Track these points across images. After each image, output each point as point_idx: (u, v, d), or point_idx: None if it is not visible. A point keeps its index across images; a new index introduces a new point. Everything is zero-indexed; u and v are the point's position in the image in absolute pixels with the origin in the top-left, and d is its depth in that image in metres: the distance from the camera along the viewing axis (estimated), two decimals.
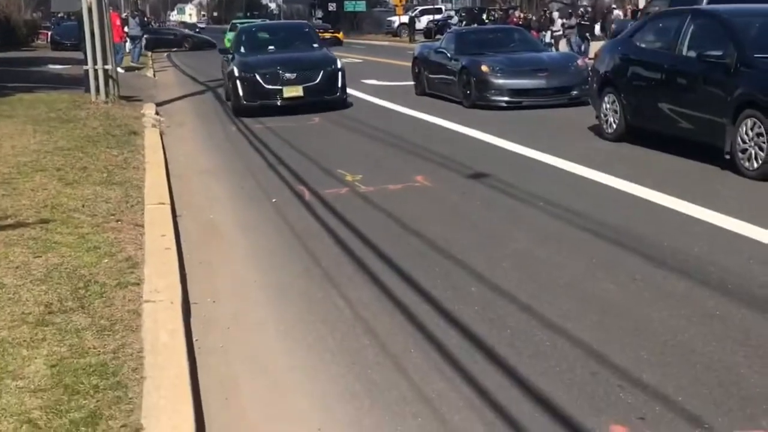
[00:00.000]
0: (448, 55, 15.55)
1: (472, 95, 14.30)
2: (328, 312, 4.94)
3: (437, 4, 61.19)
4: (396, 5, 52.99)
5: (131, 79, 21.79)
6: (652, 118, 9.72)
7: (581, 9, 33.99)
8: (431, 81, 16.28)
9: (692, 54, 9.02)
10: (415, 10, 53.82)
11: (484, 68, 14.26)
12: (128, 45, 31.55)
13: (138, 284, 5.03)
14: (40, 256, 5.52)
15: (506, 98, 14.00)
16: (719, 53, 8.47)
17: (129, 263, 5.45)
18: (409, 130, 12.18)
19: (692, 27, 9.28)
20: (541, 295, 5.01)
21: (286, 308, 5.09)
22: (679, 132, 9.25)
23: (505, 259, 5.77)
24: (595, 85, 10.99)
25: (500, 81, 14.10)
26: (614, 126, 10.40)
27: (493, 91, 14.06)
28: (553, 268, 5.56)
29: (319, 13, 73.18)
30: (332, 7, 71.69)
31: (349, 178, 8.76)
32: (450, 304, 4.91)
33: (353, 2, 70.39)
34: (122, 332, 4.25)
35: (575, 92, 14.03)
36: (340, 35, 49.34)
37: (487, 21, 39.37)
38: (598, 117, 10.83)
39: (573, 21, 30.30)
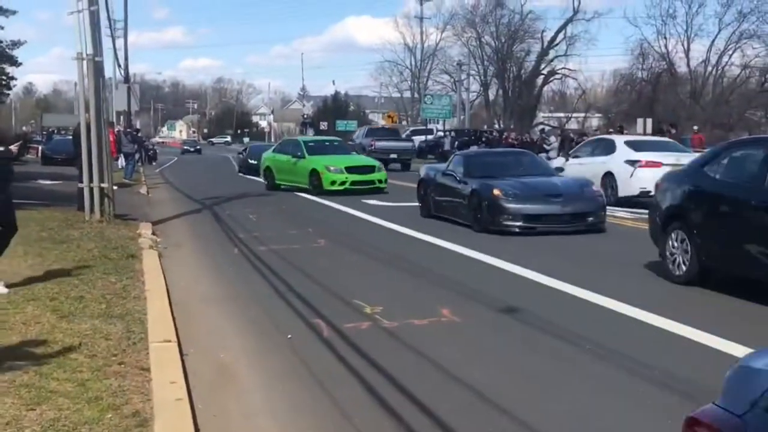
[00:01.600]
0: (457, 177, 15.21)
1: (484, 219, 13.88)
2: None
3: (427, 125, 61.90)
4: (387, 126, 53.47)
5: (124, 195, 21.28)
6: (736, 260, 8.52)
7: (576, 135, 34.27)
8: (438, 203, 15.92)
9: None
10: (406, 130, 54.22)
11: (496, 192, 13.84)
12: (121, 161, 31.38)
13: None
14: (34, 409, 4.78)
15: (520, 223, 13.53)
16: None
17: (136, 419, 4.71)
18: (421, 254, 11.67)
19: None
20: None
21: None
22: None
23: (565, 416, 5.07)
24: (657, 220, 9.80)
25: (513, 206, 13.65)
26: (684, 267, 9.07)
27: (505, 216, 13.61)
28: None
29: (311, 132, 73.95)
30: (324, 126, 72.66)
31: (368, 310, 8.10)
32: None
33: (345, 122, 71.45)
34: None
35: (591, 219, 13.60)
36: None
37: (480, 143, 39.53)
38: (662, 255, 9.58)
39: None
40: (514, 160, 16.36)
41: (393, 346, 6.81)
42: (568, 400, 5.38)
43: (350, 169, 22.65)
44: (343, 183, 22.27)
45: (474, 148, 37.40)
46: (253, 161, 31.45)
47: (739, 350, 6.29)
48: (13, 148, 8.99)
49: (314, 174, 22.89)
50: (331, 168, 22.66)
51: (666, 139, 23.16)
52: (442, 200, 15.75)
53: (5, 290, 8.10)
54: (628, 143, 19.57)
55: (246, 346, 7.02)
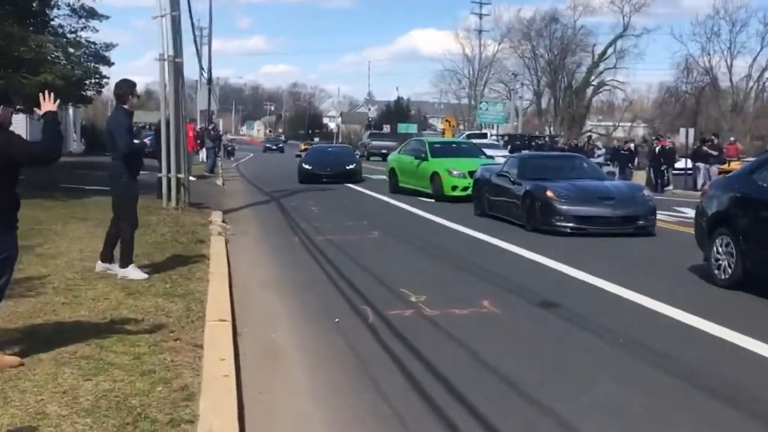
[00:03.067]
0: (511, 178, 14.68)
1: (536, 219, 13.36)
2: None
3: (483, 129, 61.29)
4: (445, 129, 53.09)
5: (202, 186, 21.46)
6: None
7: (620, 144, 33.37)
8: (492, 202, 15.41)
9: None
10: (462, 134, 53.71)
11: (549, 194, 13.28)
12: (202, 155, 31.73)
13: (192, 422, 4.15)
14: (91, 380, 4.69)
15: (571, 224, 12.93)
16: None
17: (184, 393, 4.58)
18: (469, 249, 11.35)
19: None
20: None
21: None
22: None
23: (595, 409, 4.78)
24: (704, 225, 9.31)
25: (566, 207, 13.06)
26: (729, 271, 8.62)
27: (557, 217, 13.05)
28: (655, 425, 4.55)
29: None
30: (386, 128, 72.47)
31: (413, 298, 7.89)
32: None
33: (406, 125, 71.21)
34: None
35: (641, 222, 13.00)
36: None
37: (531, 148, 38.86)
38: (707, 259, 9.12)
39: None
40: (567, 164, 15.74)
41: (432, 334, 6.58)
42: (599, 393, 5.08)
43: (472, 174, 18.55)
44: (465, 189, 18.65)
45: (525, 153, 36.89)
46: (308, 167, 25.82)
47: None
48: (146, 140, 9.13)
49: (435, 177, 19.74)
50: (454, 172, 19.39)
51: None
52: (496, 200, 15.25)
53: (144, 275, 8.02)
54: None
55: (296, 329, 6.87)
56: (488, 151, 24.25)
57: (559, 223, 13.00)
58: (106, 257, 8.18)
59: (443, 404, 4.82)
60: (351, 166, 25.99)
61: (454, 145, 23.47)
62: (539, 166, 15.29)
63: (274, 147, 72.57)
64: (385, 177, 24.16)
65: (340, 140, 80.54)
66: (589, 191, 13.55)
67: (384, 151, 47.89)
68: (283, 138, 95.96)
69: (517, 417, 4.64)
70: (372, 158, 48.44)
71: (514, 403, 4.88)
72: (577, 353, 6.05)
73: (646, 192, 14.20)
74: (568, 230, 12.87)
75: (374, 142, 53.92)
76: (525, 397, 4.97)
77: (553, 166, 15.29)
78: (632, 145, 28.50)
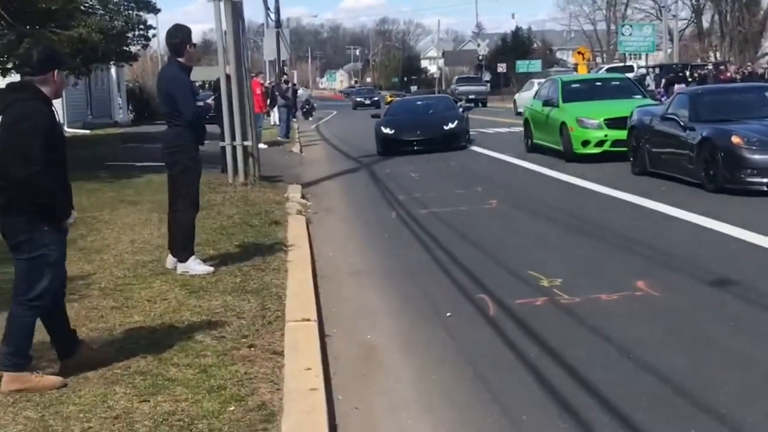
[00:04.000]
0: (681, 123, 13.77)
1: (719, 176, 12.46)
2: None
3: (627, 61, 59.83)
4: (578, 63, 52.08)
5: (275, 155, 21.81)
6: None
7: None
8: (655, 156, 14.60)
9: None
10: (601, 68, 52.60)
11: (735, 140, 12.39)
12: (274, 117, 32.18)
13: None
14: (148, 401, 4.81)
15: None
16: None
17: (262, 413, 4.63)
18: (621, 219, 10.96)
19: None
20: None
21: None
22: None
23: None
24: None
25: (759, 157, 12.15)
26: None
27: (749, 171, 12.18)
28: None
29: (487, 76, 73.38)
30: (502, 68, 71.75)
31: (545, 282, 7.76)
32: None
33: (527, 62, 70.24)
34: None
35: None
36: None
37: (690, 80, 37.70)
38: None
39: None
40: (757, 98, 14.60)
41: (572, 327, 6.44)
42: None
43: (612, 123, 17.44)
44: (600, 143, 17.39)
45: (680, 87, 35.74)
46: (388, 131, 22.52)
47: None
48: (210, 101, 9.29)
49: (563, 129, 18.25)
50: (585, 121, 17.78)
51: None
52: (661, 152, 14.40)
53: (209, 268, 8.22)
54: None
55: (398, 328, 6.87)
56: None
57: (750, 179, 12.17)
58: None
59: (589, 419, 4.71)
60: (451, 126, 22.31)
61: (598, 83, 21.54)
62: (719, 103, 14.34)
63: (368, 101, 65.06)
64: (501, 130, 23.83)
65: (443, 87, 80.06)
66: None
67: (472, 96, 51.42)
68: (378, 89, 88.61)
69: (688, 429, 4.48)
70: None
71: (683, 412, 4.72)
72: (761, 342, 5.79)
73: None
74: (765, 188, 12.05)
75: (461, 88, 59.22)
76: (698, 404, 4.80)
77: (738, 103, 14.35)
78: None
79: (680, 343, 5.96)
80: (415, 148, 21.84)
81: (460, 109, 24.63)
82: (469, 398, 5.20)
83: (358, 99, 67.92)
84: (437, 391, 5.40)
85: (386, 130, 22.47)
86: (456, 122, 22.53)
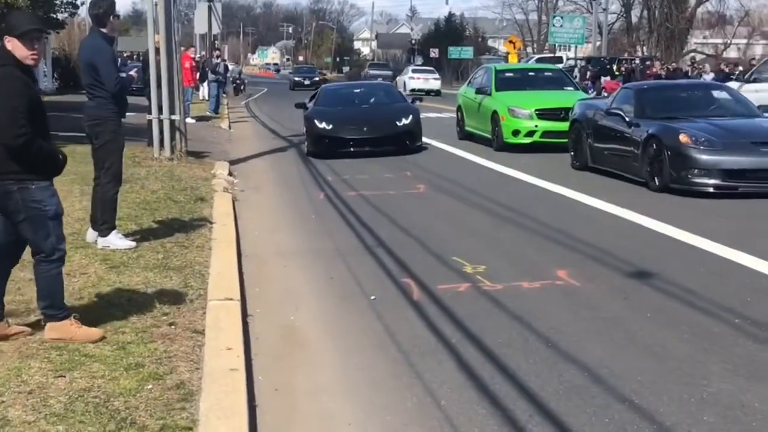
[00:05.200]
0: (626, 118, 13.38)
1: (665, 175, 12.00)
2: None
3: (557, 52, 60.51)
4: (509, 53, 52.50)
5: (203, 130, 21.57)
6: None
7: (729, 66, 32.59)
8: (598, 152, 14.23)
9: None
10: (531, 58, 53.08)
11: (683, 138, 11.92)
12: (203, 92, 31.77)
13: (190, 429, 4.15)
14: (64, 376, 4.72)
15: (716, 181, 11.60)
16: None
17: (181, 392, 4.58)
18: (551, 211, 10.85)
19: None
20: None
21: None
22: None
23: (705, 409, 4.66)
24: None
25: (707, 157, 11.68)
26: None
27: (696, 171, 11.70)
28: None
29: (419, 60, 73.47)
30: (434, 53, 71.96)
31: (468, 269, 7.81)
32: None
33: (459, 49, 70.55)
34: None
35: None
36: None
37: (617, 73, 38.24)
38: None
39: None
40: (703, 96, 14.39)
41: (494, 313, 6.50)
42: (709, 387, 4.96)
43: (543, 114, 17.59)
44: (531, 133, 17.41)
45: (606, 80, 36.36)
46: (325, 126, 17.69)
47: None
48: (133, 73, 9.12)
49: (494, 118, 18.20)
50: (516, 110, 17.72)
51: None
52: (603, 148, 14.03)
53: (130, 243, 8.08)
54: None
55: (322, 309, 6.85)
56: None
57: (697, 180, 11.71)
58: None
59: (508, 404, 4.76)
60: (405, 122, 17.90)
61: (531, 74, 21.45)
62: (665, 99, 14.01)
63: (308, 81, 59.30)
64: (430, 115, 23.73)
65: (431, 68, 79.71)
66: (738, 133, 12.23)
67: (380, 80, 50.88)
68: (319, 69, 79.98)
69: (603, 418, 4.55)
70: None
71: (600, 401, 4.78)
72: (680, 336, 5.91)
73: None
74: (711, 189, 11.62)
75: (372, 72, 64.57)
76: (614, 393, 4.88)
77: (684, 100, 14.10)
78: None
79: (598, 332, 6.04)
80: (364, 149, 17.27)
81: (412, 103, 19.99)
82: (390, 381, 5.21)
83: (297, 78, 61.78)
84: (359, 373, 5.40)
85: (322, 125, 17.52)
86: (411, 117, 17.94)
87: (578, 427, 4.45)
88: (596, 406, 4.72)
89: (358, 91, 20.93)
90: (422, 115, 19.34)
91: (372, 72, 64.59)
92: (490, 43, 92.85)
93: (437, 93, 51.08)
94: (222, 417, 4.28)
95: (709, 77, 30.16)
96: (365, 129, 17.56)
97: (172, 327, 5.67)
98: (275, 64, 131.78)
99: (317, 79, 59.80)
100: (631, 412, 4.63)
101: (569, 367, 5.34)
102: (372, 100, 19.78)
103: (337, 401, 4.97)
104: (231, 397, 4.57)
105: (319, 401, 4.96)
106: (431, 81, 53.49)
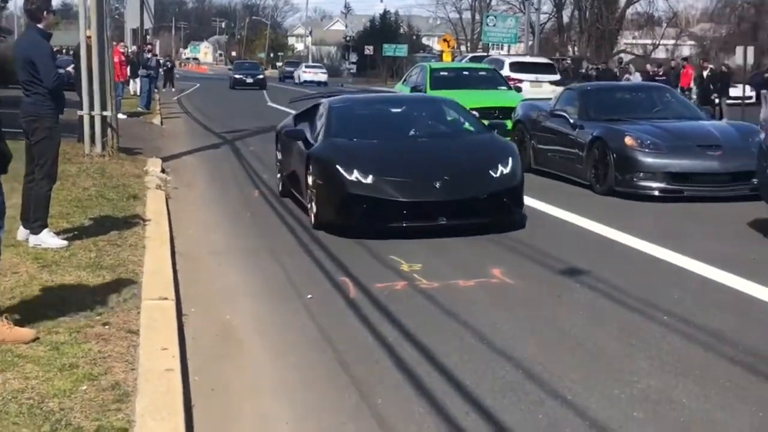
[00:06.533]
0: (570, 120, 13.32)
1: (609, 177, 11.92)
2: None
3: (490, 51, 61.01)
4: (443, 51, 52.81)
5: (135, 127, 21.29)
6: None
7: (654, 67, 33.18)
8: (541, 153, 14.17)
9: None
10: (465, 57, 53.41)
11: (629, 141, 11.86)
12: (133, 87, 31.35)
13: (126, 429, 4.12)
14: None
15: (661, 184, 11.55)
16: None
17: (116, 393, 4.53)
18: None
19: None
20: None
21: None
22: None
23: (635, 405, 4.77)
24: None
25: (653, 160, 11.64)
26: None
27: (642, 174, 11.64)
28: (709, 422, 4.55)
29: (354, 57, 73.55)
30: (369, 50, 72.03)
31: (405, 267, 7.87)
32: None
33: (393, 46, 70.72)
34: None
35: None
36: None
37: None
38: None
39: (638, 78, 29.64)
40: (648, 98, 14.33)
41: (430, 311, 6.57)
42: (638, 384, 5.08)
43: (478, 113, 14.96)
44: None
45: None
46: (365, 177, 9.24)
47: None
48: (70, 69, 8.96)
49: None
50: None
51: None
52: (547, 150, 13.92)
53: (62, 242, 7.95)
54: None
55: (257, 308, 6.84)
56: None
57: (643, 183, 11.65)
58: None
59: (444, 402, 4.80)
60: (503, 169, 9.70)
61: (465, 72, 21.61)
62: (609, 101, 13.97)
63: (251, 80, 54.16)
64: None
65: (319, 65, 79.67)
66: (684, 136, 12.21)
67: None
68: (261, 66, 69.51)
69: (536, 414, 4.64)
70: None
71: (533, 398, 4.87)
72: (610, 333, 6.03)
73: (763, 136, 11.33)
74: (656, 192, 11.54)
75: (306, 76, 68.62)
76: (547, 389, 4.97)
77: (628, 102, 14.09)
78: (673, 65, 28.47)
79: (532, 330, 6.14)
80: (437, 222, 9.29)
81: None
82: (327, 380, 5.23)
83: (238, 76, 55.20)
84: (295, 372, 5.41)
85: (354, 176, 9.30)
86: (510, 161, 9.86)
87: (513, 424, 4.52)
88: (530, 403, 4.80)
89: (399, 110, 11.58)
90: None
91: (306, 77, 68.23)
92: (424, 41, 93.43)
93: (325, 84, 62.54)
94: (158, 418, 4.25)
95: (633, 78, 30.67)
96: (438, 186, 9.29)
97: (107, 327, 5.60)
98: (195, 58, 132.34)
99: (262, 77, 55.77)
100: (564, 408, 4.72)
101: (504, 364, 5.42)
102: (430, 125, 11.19)
103: (273, 401, 4.98)
104: (167, 397, 4.55)
105: (255, 401, 4.96)
106: (319, 74, 68.74)
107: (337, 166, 9.33)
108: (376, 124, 10.94)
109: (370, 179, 9.18)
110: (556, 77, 27.24)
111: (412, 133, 10.80)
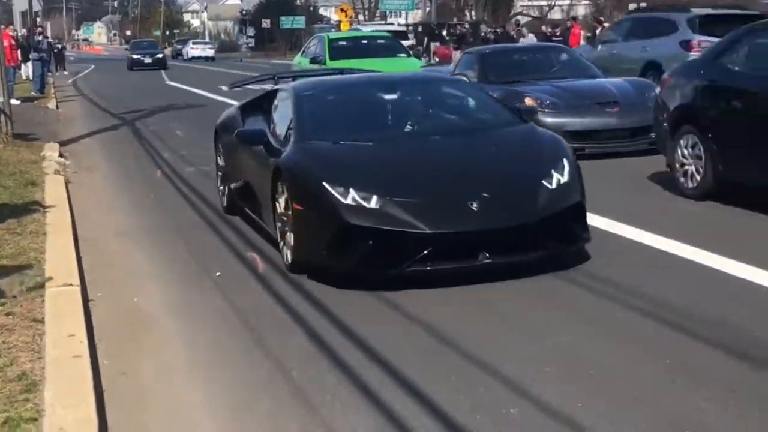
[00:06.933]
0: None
1: None
2: None
3: (387, 18, 60.99)
4: (341, 21, 52.55)
5: (29, 112, 20.69)
6: (761, 169, 8.11)
7: (550, 28, 33.62)
8: None
9: None
10: (361, 27, 53.28)
11: (528, 102, 11.67)
12: (25, 71, 30.44)
13: (35, 419, 4.03)
14: None
15: None
16: None
17: (23, 383, 4.43)
18: None
19: None
20: (613, 413, 4.12)
21: None
22: None
23: (547, 362, 4.87)
24: (665, 124, 9.35)
25: (552, 119, 11.53)
26: (697, 178, 8.79)
27: None
28: (626, 377, 4.68)
29: (251, 31, 72.71)
30: (266, 23, 71.27)
31: None
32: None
33: (291, 18, 70.09)
34: None
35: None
36: None
37: (447, 38, 38.96)
38: (669, 165, 9.29)
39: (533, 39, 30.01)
40: (545, 58, 14.45)
41: (342, 283, 6.53)
42: (551, 341, 5.17)
43: None
44: None
45: (436, 45, 37.18)
46: (350, 195, 6.32)
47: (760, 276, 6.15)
48: None
49: None
50: None
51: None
52: None
53: None
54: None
55: (166, 289, 6.75)
56: None
57: None
58: None
59: (360, 371, 4.81)
60: (560, 178, 6.72)
61: (364, 41, 21.63)
62: (507, 64, 13.97)
63: (149, 59, 51.77)
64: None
65: (207, 41, 78.54)
66: (582, 95, 12.38)
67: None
68: (159, 45, 66.18)
69: (451, 376, 4.68)
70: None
71: (449, 364, 4.92)
72: (557, 317, 6.13)
73: (659, 90, 11.26)
74: None
75: (193, 52, 70.70)
76: (462, 355, 5.02)
77: (527, 64, 14.07)
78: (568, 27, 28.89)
79: (447, 295, 6.16)
80: (472, 263, 6.29)
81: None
82: (240, 357, 5.19)
83: (135, 56, 52.57)
84: (208, 351, 5.36)
85: (355, 198, 6.35)
86: (567, 165, 6.93)
87: (428, 388, 4.54)
88: (446, 367, 4.84)
89: (394, 96, 8.27)
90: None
91: (194, 53, 70.09)
92: (321, 11, 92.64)
93: (213, 59, 65.86)
94: (68, 405, 4.17)
95: (527, 40, 30.97)
96: (475, 207, 6.40)
97: (10, 317, 5.46)
98: (86, 39, 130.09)
99: (161, 56, 53.16)
100: (508, 390, 4.52)
101: (418, 330, 5.46)
102: (440, 116, 8.25)
103: (186, 381, 4.92)
104: (76, 384, 4.46)
105: (167, 383, 4.89)
106: (207, 50, 71.06)
107: (324, 184, 6.42)
108: (366, 117, 8.00)
109: (374, 202, 6.30)
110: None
111: (417, 128, 7.71)
